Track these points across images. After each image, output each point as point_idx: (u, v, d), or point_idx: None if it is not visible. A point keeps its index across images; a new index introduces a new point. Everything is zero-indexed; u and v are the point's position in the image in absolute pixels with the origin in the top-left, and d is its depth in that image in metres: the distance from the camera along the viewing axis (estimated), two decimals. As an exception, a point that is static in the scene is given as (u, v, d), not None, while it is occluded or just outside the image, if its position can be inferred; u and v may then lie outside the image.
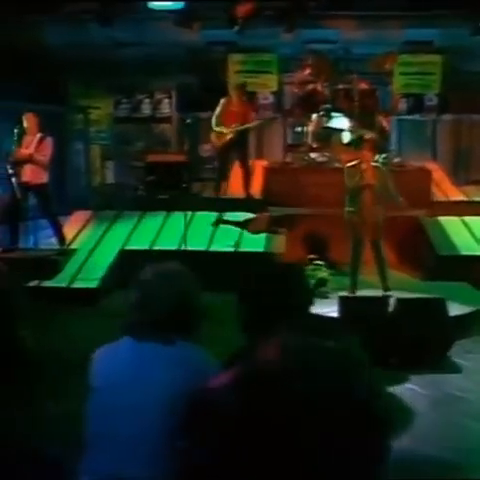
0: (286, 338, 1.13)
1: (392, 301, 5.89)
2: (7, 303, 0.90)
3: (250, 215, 9.01)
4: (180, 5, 9.90)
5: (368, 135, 8.06)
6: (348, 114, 9.81)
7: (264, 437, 1.16)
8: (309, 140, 10.09)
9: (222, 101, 9.39)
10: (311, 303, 2.04)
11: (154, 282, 2.31)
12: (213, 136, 9.51)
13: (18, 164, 8.16)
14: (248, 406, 1.19)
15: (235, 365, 2.05)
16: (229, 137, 9.26)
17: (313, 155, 9.99)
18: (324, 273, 7.31)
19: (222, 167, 9.65)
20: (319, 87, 10.12)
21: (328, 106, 9.90)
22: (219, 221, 8.93)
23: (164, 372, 2.17)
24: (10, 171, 8.10)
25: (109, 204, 10.04)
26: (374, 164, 7.02)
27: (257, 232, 8.62)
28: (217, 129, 9.30)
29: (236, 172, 9.82)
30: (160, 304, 2.25)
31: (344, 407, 1.05)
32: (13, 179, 8.09)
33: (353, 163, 6.91)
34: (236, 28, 10.37)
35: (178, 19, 10.15)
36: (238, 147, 9.43)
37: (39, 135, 8.29)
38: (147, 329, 2.24)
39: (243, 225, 8.81)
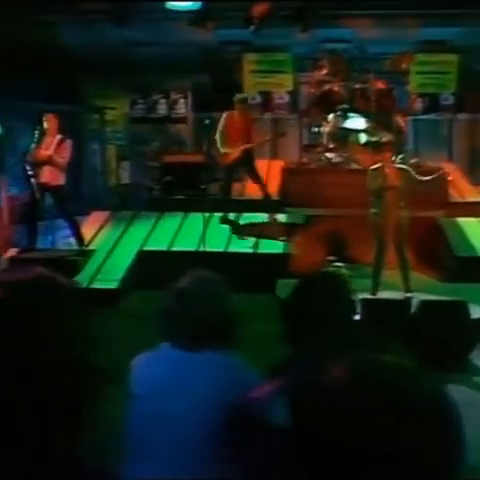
0: (353, 356, 1.12)
1: (414, 303, 5.86)
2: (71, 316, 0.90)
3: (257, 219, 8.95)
4: (198, 5, 9.88)
5: (386, 138, 8.06)
6: (365, 114, 9.78)
7: (322, 454, 1.15)
8: (325, 140, 10.07)
9: (224, 116, 8.98)
10: (355, 312, 2.03)
11: (193, 291, 2.31)
12: (219, 155, 9.09)
13: (37, 165, 8.18)
14: (308, 422, 1.17)
15: (279, 376, 2.05)
16: (235, 156, 8.78)
17: (329, 155, 9.96)
18: (344, 274, 7.28)
19: (227, 185, 9.16)
20: (336, 87, 10.08)
21: (345, 106, 9.86)
22: (225, 221, 8.89)
23: (204, 380, 2.18)
24: (29, 172, 8.12)
25: (125, 204, 10.06)
26: (398, 166, 7.07)
27: (262, 237, 8.57)
28: (223, 151, 8.84)
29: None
30: (199, 313, 2.25)
31: (414, 424, 1.05)
32: (32, 180, 8.11)
33: (376, 166, 6.96)
34: (252, 28, 10.34)
35: (193, 19, 10.14)
36: (246, 165, 9.03)
37: (59, 137, 8.29)
38: (187, 337, 2.24)
39: (245, 229, 8.73)
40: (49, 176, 8.22)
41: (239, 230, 8.72)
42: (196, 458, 2.12)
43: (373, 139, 8.15)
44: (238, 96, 9.07)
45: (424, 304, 5.86)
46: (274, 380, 2.03)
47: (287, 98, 12.11)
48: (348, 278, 7.20)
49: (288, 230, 8.72)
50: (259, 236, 8.59)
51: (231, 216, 9.06)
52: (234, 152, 8.77)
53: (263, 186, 9.19)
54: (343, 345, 1.76)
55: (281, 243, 8.46)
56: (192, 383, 2.16)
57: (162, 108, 12.32)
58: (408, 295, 6.68)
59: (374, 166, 7.04)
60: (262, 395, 1.89)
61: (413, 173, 7.18)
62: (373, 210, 7.07)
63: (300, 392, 1.19)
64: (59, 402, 0.93)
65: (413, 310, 5.71)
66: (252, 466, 1.92)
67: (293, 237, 8.49)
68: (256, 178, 9.16)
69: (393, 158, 7.60)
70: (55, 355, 0.94)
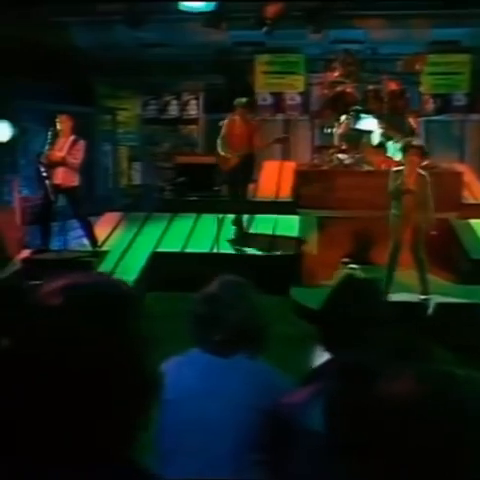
0: (420, 368, 1.11)
1: (431, 305, 5.86)
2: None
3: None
4: (211, 6, 9.87)
5: (416, 141, 8.06)
6: (378, 115, 9.76)
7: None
8: (338, 142, 10.05)
9: (225, 122, 8.80)
10: (393, 317, 2.03)
11: (223, 295, 2.31)
12: (219, 160, 8.89)
13: (51, 166, 8.19)
14: (370, 430, 1.15)
15: (315, 381, 2.05)
16: (235, 162, 8.52)
17: (341, 157, 9.94)
18: (359, 277, 7.26)
19: (232, 191, 8.92)
20: (349, 88, 10.06)
21: (358, 107, 9.84)
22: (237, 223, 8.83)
23: (236, 385, 2.18)
24: (44, 173, 8.14)
25: (137, 205, 10.07)
26: (419, 171, 7.12)
27: None
28: (222, 153, 8.65)
29: (266, 173, 9.80)
30: (230, 318, 2.25)
31: None
32: (47, 181, 8.12)
33: (398, 168, 7.07)
34: (265, 29, 10.34)
35: (207, 20, 10.14)
36: (244, 172, 8.69)
37: (72, 138, 8.28)
38: (217, 342, 2.24)
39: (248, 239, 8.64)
40: (63, 177, 8.23)
41: (243, 239, 8.62)
42: (228, 463, 2.12)
43: (404, 142, 8.09)
44: (238, 100, 8.76)
45: (442, 307, 5.89)
46: (309, 385, 2.02)
47: (299, 99, 12.10)
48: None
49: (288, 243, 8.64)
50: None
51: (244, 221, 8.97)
52: (233, 158, 8.53)
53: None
54: (389, 351, 1.76)
55: (295, 245, 8.45)
56: (224, 388, 2.16)
57: (174, 109, 12.34)
58: (424, 297, 6.68)
59: (396, 168, 7.13)
60: (298, 400, 1.89)
61: (428, 179, 7.20)
62: (393, 211, 7.12)
63: (358, 399, 1.17)
64: (130, 404, 0.94)
65: (431, 312, 5.75)
66: (286, 472, 1.91)
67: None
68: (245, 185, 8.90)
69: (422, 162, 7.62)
70: (124, 359, 0.95)
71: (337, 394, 1.48)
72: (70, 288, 0.98)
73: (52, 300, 0.94)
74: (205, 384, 2.20)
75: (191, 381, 2.23)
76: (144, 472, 0.99)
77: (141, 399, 0.96)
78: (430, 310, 5.77)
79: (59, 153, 8.18)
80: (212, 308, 2.28)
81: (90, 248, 8.56)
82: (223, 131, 8.74)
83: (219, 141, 8.72)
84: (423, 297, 6.80)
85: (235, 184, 8.78)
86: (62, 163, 8.17)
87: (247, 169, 8.77)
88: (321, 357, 2.14)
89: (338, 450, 1.26)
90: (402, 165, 7.18)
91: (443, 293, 7.12)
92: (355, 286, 2.04)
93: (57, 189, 8.19)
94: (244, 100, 8.80)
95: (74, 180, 8.30)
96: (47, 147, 8.21)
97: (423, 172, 7.23)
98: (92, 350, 0.91)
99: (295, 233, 8.85)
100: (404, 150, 7.41)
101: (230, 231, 8.70)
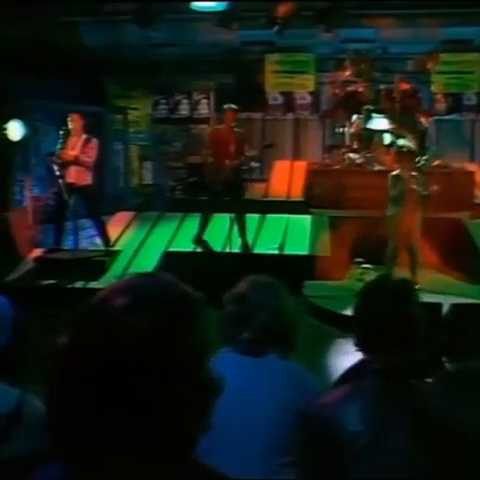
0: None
1: (446, 306, 5.85)
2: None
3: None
4: (223, 6, 9.87)
5: (405, 145, 8.23)
6: (389, 115, 9.75)
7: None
8: (349, 141, 10.04)
9: (209, 131, 8.49)
10: (426, 318, 2.02)
11: (254, 295, 2.30)
12: (206, 171, 8.42)
13: (64, 165, 8.20)
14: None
15: (349, 382, 2.05)
16: (222, 177, 7.92)
17: (353, 156, 9.93)
18: (373, 276, 7.25)
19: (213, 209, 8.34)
20: (360, 88, 10.05)
21: (369, 107, 9.82)
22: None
23: (267, 385, 2.18)
24: (57, 173, 8.15)
25: (149, 205, 10.07)
26: (414, 173, 7.30)
27: None
28: (209, 163, 8.14)
29: (277, 173, 9.80)
30: (260, 318, 2.25)
31: None
32: (60, 180, 8.14)
33: (396, 173, 7.25)
34: (276, 28, 10.32)
35: (219, 20, 10.13)
36: (232, 191, 8.07)
37: (84, 136, 8.29)
38: (248, 342, 2.24)
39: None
40: (76, 176, 8.22)
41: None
42: (258, 464, 2.11)
43: (398, 145, 8.24)
44: (228, 105, 8.18)
45: (457, 307, 5.87)
46: (343, 385, 2.02)
47: (309, 99, 12.08)
48: (357, 274, 7.39)
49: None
50: None
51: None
52: (220, 173, 7.92)
53: (243, 228, 8.24)
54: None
55: (306, 245, 8.44)
56: (254, 388, 2.16)
57: (184, 109, 12.34)
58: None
59: (394, 172, 7.29)
60: (333, 401, 1.89)
61: (422, 184, 7.31)
62: (390, 213, 7.32)
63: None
64: (198, 404, 0.96)
65: (446, 313, 5.73)
66: (320, 473, 1.91)
67: None
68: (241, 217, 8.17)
69: (416, 163, 7.78)
70: (194, 359, 0.96)
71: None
72: (144, 287, 0.98)
73: (125, 300, 0.95)
74: (236, 385, 2.19)
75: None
76: (216, 472, 1.01)
77: (207, 399, 0.97)
78: (444, 310, 5.75)
79: (72, 152, 8.19)
80: (242, 308, 2.28)
81: (102, 247, 8.58)
82: (207, 141, 8.38)
83: (205, 151, 8.40)
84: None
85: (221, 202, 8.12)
86: (75, 162, 8.18)
87: (235, 188, 8.12)
88: (353, 357, 2.14)
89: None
90: (398, 169, 7.37)
91: (456, 293, 7.10)
92: (391, 286, 2.04)
93: (70, 188, 8.19)
94: (233, 106, 8.17)
95: (87, 179, 8.31)
96: (59, 146, 8.22)
97: (414, 173, 7.39)
98: (170, 349, 0.92)
99: (307, 233, 8.84)
100: (396, 156, 7.64)
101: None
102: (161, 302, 0.96)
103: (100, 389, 0.89)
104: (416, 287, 6.59)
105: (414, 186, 7.13)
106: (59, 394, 0.91)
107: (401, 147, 8.15)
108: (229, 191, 8.01)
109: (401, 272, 7.12)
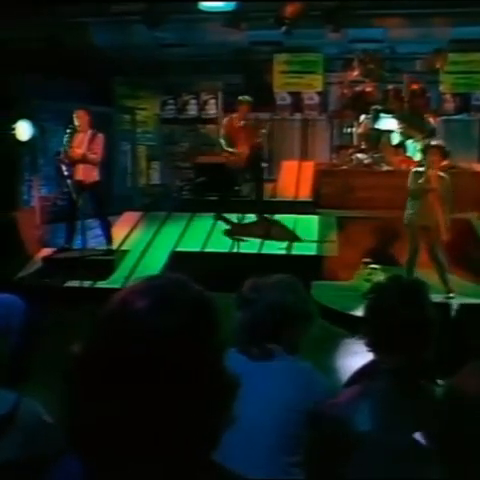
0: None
1: (455, 306, 5.83)
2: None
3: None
4: (231, 6, 9.86)
5: (436, 141, 8.02)
6: (398, 115, 9.71)
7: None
8: (357, 141, 10.02)
9: (224, 122, 9.00)
10: (438, 319, 2.01)
11: (262, 296, 2.30)
12: (226, 160, 8.92)
13: (72, 164, 8.19)
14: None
15: (360, 382, 2.04)
16: (242, 158, 8.70)
17: (361, 156, 9.91)
18: (381, 277, 7.24)
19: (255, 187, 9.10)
20: (369, 87, 10.02)
21: (378, 107, 9.80)
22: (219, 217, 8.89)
23: (275, 386, 2.17)
24: (65, 172, 8.15)
25: (156, 205, 10.08)
26: (439, 172, 7.14)
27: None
28: (230, 150, 8.77)
29: (285, 173, 9.78)
30: (269, 319, 2.24)
31: None
32: (68, 180, 8.14)
33: (420, 169, 7.12)
34: (284, 28, 10.30)
35: (227, 20, 10.13)
36: (253, 168, 8.91)
37: (90, 132, 8.25)
38: (257, 343, 2.24)
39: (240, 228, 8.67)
40: (84, 173, 8.19)
41: (233, 231, 8.68)
42: (267, 463, 2.11)
43: (425, 142, 8.09)
44: (243, 97, 8.97)
45: (466, 307, 5.85)
46: (354, 385, 2.02)
47: (317, 99, 12.06)
48: (365, 274, 7.33)
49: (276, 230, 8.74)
50: (250, 236, 8.56)
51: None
52: (241, 153, 8.69)
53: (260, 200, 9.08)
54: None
55: (314, 245, 8.43)
56: (263, 388, 2.15)
57: (192, 109, 12.34)
58: (450, 295, 6.75)
59: (417, 168, 7.13)
60: (343, 401, 1.88)
61: (448, 181, 7.20)
62: (410, 211, 7.16)
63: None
64: (219, 405, 0.96)
65: (455, 313, 5.71)
66: (331, 473, 1.90)
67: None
68: (259, 190, 9.06)
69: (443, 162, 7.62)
70: (215, 359, 0.97)
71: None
72: (164, 288, 0.99)
73: (146, 301, 0.95)
74: (245, 384, 2.19)
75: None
76: (232, 473, 1.02)
77: (228, 396, 0.98)
78: (453, 310, 5.74)
79: (78, 150, 8.16)
80: (253, 308, 2.28)
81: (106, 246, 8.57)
82: (223, 130, 8.91)
83: (222, 140, 8.88)
84: (450, 295, 6.84)
85: (247, 180, 8.96)
86: (83, 160, 8.16)
87: (256, 165, 8.89)
88: (362, 358, 2.14)
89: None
90: (422, 166, 7.22)
91: (465, 293, 7.08)
92: (404, 287, 2.02)
93: (79, 186, 8.17)
94: (247, 97, 8.97)
95: (95, 175, 8.28)
96: (66, 144, 8.19)
97: (443, 174, 7.24)
98: (194, 348, 0.93)
99: (315, 233, 8.83)
100: (425, 151, 7.42)
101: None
102: (182, 302, 0.96)
103: (125, 390, 0.89)
104: (451, 295, 6.63)
105: (435, 185, 7.01)
106: (80, 396, 0.91)
107: (430, 142, 7.96)
108: (249, 171, 8.85)
109: (423, 274, 7.09)
